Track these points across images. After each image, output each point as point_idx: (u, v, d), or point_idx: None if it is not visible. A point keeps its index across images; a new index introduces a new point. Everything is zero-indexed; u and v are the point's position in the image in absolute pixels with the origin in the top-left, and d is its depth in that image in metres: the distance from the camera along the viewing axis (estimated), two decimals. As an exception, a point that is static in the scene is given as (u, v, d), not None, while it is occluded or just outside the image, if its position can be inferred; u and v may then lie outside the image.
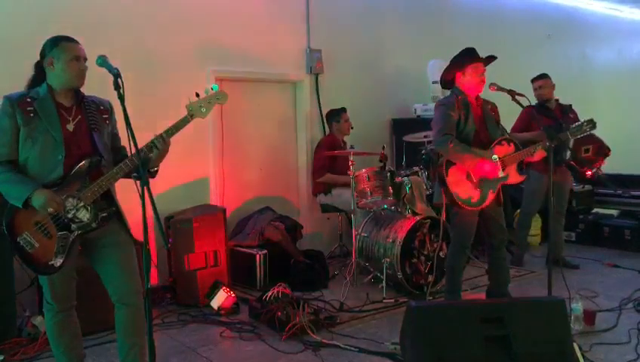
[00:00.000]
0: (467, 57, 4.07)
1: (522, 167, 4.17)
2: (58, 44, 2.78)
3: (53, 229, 2.73)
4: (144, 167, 2.63)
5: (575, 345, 3.03)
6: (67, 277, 2.88)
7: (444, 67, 6.38)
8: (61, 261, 2.75)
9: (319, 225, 6.29)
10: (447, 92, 4.15)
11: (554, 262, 5.57)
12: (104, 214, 2.83)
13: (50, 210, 2.67)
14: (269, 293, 4.24)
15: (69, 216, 2.73)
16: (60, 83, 2.79)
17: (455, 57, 4.14)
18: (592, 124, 4.23)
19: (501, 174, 4.01)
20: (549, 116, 5.31)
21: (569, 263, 5.65)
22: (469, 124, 4.03)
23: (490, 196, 4.04)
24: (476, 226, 4.16)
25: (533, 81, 5.59)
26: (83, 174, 2.77)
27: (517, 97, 3.91)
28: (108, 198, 2.87)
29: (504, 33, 7.89)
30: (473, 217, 4.09)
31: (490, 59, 4.09)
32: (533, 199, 5.58)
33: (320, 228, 6.32)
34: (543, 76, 5.55)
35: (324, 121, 6.20)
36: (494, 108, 4.26)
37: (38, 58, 2.85)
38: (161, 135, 2.77)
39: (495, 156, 3.97)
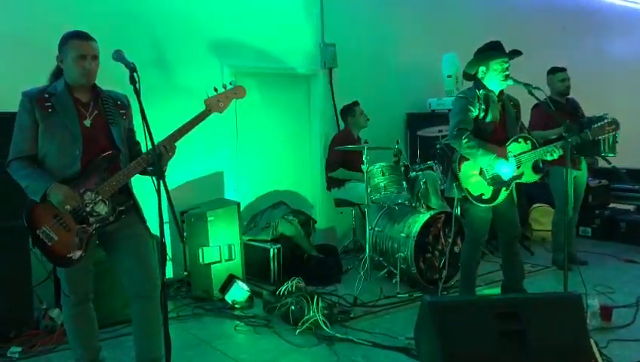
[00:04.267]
0: (492, 51, 3.98)
1: (540, 166, 4.10)
2: (67, 41, 2.78)
3: (72, 223, 2.76)
4: (160, 162, 2.65)
5: (592, 341, 3.01)
6: (85, 269, 2.91)
7: (458, 61, 6.39)
8: (80, 254, 2.78)
9: (333, 219, 6.29)
10: (461, 85, 4.10)
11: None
12: (122, 208, 2.85)
13: (68, 207, 2.70)
14: (283, 287, 4.24)
15: (88, 209, 2.76)
16: (69, 80, 2.82)
17: (479, 50, 4.04)
18: (614, 125, 4.16)
19: (515, 172, 3.97)
20: (564, 110, 5.24)
21: (578, 259, 5.57)
22: (489, 120, 3.98)
23: (503, 194, 4.01)
24: (490, 222, 4.14)
25: (554, 72, 5.42)
26: (101, 168, 2.79)
27: (533, 91, 3.88)
28: (125, 192, 2.90)
29: (519, 26, 7.80)
30: (486, 213, 4.06)
31: (515, 53, 4.00)
32: (564, 195, 5.15)
33: (334, 222, 6.32)
34: (564, 69, 5.43)
35: (339, 115, 6.19)
36: (516, 105, 4.18)
37: (52, 52, 2.87)
38: (160, 142, 2.75)
39: (512, 158, 3.93)
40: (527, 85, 3.87)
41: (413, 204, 5.10)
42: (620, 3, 9.71)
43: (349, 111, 5.92)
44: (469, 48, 4.19)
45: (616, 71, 9.56)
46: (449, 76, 6.52)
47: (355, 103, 5.92)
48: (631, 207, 6.95)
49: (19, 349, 3.67)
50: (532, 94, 3.89)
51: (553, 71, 5.47)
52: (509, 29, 7.41)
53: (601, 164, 5.52)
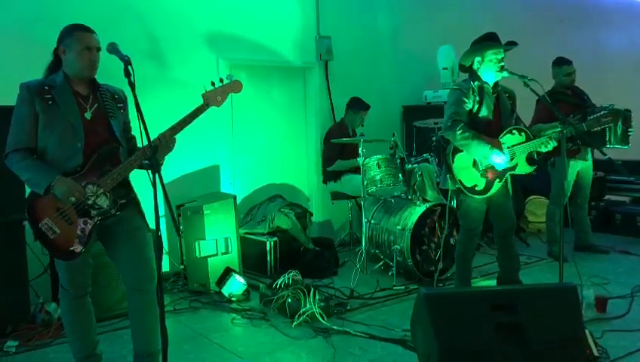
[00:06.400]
0: (487, 42, 3.98)
1: (535, 158, 4.10)
2: (72, 33, 2.78)
3: (74, 215, 2.76)
4: (155, 155, 2.65)
5: (587, 331, 3.02)
6: (84, 263, 2.90)
7: (454, 53, 6.38)
8: (81, 247, 2.77)
9: (329, 212, 6.30)
10: (457, 77, 4.10)
11: (582, 248, 5.52)
12: (123, 201, 2.85)
13: (73, 199, 2.70)
14: (280, 280, 4.25)
15: (89, 202, 2.76)
16: (71, 72, 2.81)
17: (475, 41, 4.05)
18: (611, 116, 4.16)
19: (509, 164, 3.98)
20: (568, 102, 5.24)
21: (598, 248, 5.61)
22: (483, 112, 3.98)
23: (497, 185, 4.01)
24: (485, 213, 4.15)
25: (561, 65, 5.37)
26: (102, 161, 2.79)
27: (529, 82, 3.87)
28: (126, 186, 2.90)
29: (516, 18, 7.80)
30: (481, 204, 4.08)
31: (511, 44, 4.00)
32: (562, 188, 5.17)
33: (330, 215, 6.33)
34: (570, 62, 5.37)
35: (335, 108, 6.18)
36: (512, 97, 4.18)
37: (49, 45, 2.86)
38: (162, 134, 2.79)
39: (505, 150, 3.93)
40: (522, 77, 3.85)
41: (410, 197, 5.11)
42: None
43: (356, 106, 5.82)
44: (464, 40, 4.19)
45: (613, 63, 9.56)
46: (445, 68, 6.52)
47: (367, 107, 5.83)
48: (626, 199, 6.98)
49: (15, 343, 3.67)
50: (527, 86, 3.87)
51: (559, 63, 5.40)
52: (506, 20, 7.43)
53: (597, 155, 5.54)
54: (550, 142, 3.94)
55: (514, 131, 4.04)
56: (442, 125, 4.07)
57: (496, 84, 4.05)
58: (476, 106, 3.98)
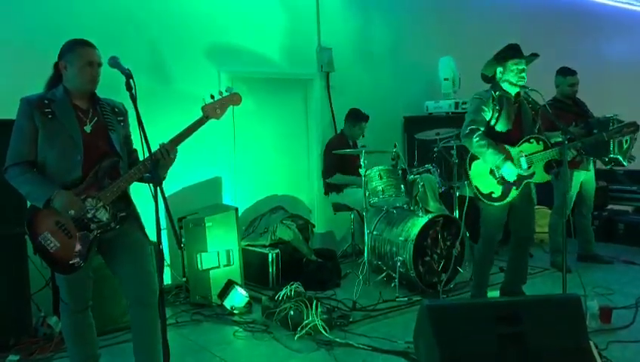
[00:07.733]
0: (509, 53, 4.02)
1: (553, 166, 4.11)
2: (73, 49, 2.81)
3: (74, 229, 2.76)
4: (156, 168, 2.66)
5: (591, 343, 3.00)
6: (84, 276, 2.90)
7: (454, 64, 6.40)
8: (81, 261, 2.77)
9: (331, 223, 6.28)
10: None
11: (586, 258, 5.50)
12: (123, 214, 2.85)
13: (72, 212, 2.70)
14: (282, 292, 4.23)
15: (89, 215, 2.76)
16: (72, 86, 2.83)
17: (498, 52, 4.09)
18: (633, 127, 4.18)
19: (526, 172, 3.99)
20: (570, 111, 5.24)
21: (602, 258, 5.59)
22: (502, 121, 4.02)
23: (514, 192, 4.03)
24: (505, 221, 4.17)
25: (565, 75, 5.39)
26: (102, 175, 2.80)
27: (529, 92, 3.89)
28: (125, 199, 2.91)
29: (516, 28, 7.80)
30: (501, 212, 4.11)
31: (533, 56, 4.04)
32: (565, 198, 5.20)
33: (332, 226, 6.32)
34: (575, 72, 5.38)
35: (336, 120, 6.18)
36: (535, 109, 4.19)
37: (51, 59, 2.88)
38: (162, 146, 2.79)
39: (523, 158, 3.94)
40: (523, 87, 3.89)
41: (412, 208, 5.10)
42: (616, 5, 9.73)
43: (354, 119, 5.82)
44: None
45: (612, 72, 9.57)
46: (446, 79, 6.53)
47: (365, 118, 5.84)
48: (629, 208, 6.96)
49: (17, 357, 3.66)
50: (528, 96, 3.90)
51: (564, 73, 5.42)
52: (506, 31, 7.40)
53: (599, 165, 5.54)
54: (568, 151, 3.97)
55: (532, 140, 4.07)
56: (460, 132, 4.13)
57: (517, 93, 4.08)
58: (496, 115, 4.02)
